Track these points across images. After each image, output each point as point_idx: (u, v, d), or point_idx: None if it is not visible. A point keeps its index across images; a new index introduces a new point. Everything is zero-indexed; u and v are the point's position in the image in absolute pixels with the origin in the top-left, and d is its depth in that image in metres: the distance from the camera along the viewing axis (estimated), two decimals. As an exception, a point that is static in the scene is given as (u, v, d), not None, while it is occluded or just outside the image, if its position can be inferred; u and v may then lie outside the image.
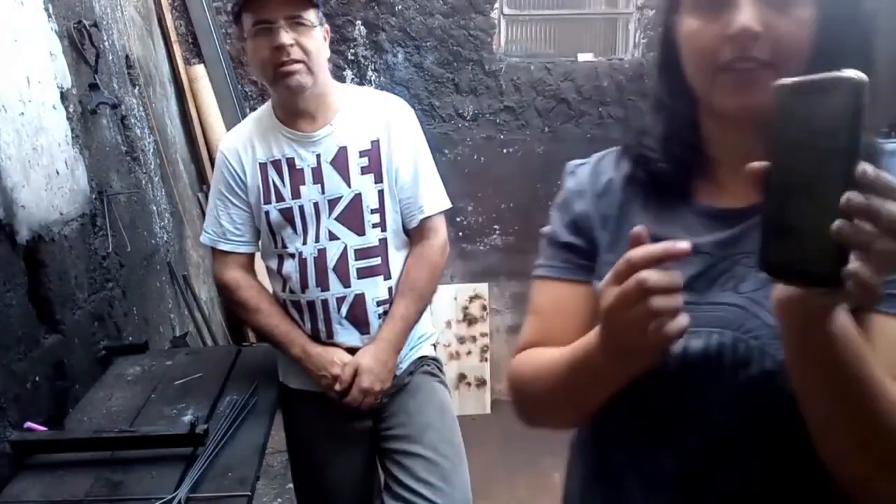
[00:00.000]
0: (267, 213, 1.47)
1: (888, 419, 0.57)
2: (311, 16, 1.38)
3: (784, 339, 0.60)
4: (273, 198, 1.47)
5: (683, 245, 0.57)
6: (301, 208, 1.45)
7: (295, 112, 1.46)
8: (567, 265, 0.81)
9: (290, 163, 1.46)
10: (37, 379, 1.27)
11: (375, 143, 1.45)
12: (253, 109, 3.15)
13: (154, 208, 2.25)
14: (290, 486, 2.59)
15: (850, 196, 0.48)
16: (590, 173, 0.84)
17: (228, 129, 3.03)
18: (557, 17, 3.24)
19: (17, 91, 1.35)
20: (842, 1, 0.66)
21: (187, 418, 1.24)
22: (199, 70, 3.01)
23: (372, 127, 1.46)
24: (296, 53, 1.35)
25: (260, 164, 1.48)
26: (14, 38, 1.38)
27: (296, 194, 1.46)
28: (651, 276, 0.57)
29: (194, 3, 2.98)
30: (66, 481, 1.09)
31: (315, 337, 1.47)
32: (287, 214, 1.46)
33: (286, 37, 1.34)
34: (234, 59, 3.11)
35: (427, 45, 3.12)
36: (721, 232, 0.71)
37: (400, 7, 3.03)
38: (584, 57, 3.20)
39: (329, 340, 1.46)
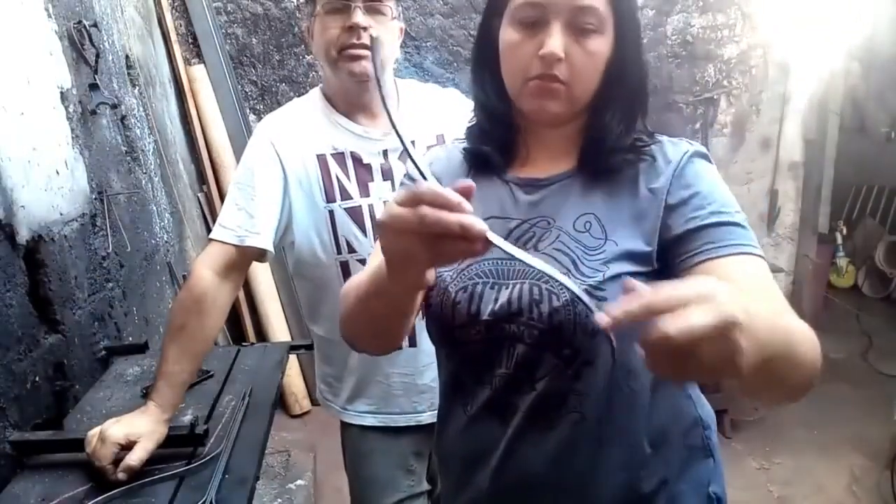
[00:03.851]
0: (331, 212, 1.33)
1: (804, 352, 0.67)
2: (392, 4, 1.31)
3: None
4: (338, 195, 1.33)
5: (466, 182, 0.62)
6: (371, 208, 1.33)
7: (356, 104, 1.36)
8: None
9: (355, 157, 1.34)
10: (37, 379, 1.27)
11: (440, 138, 1.38)
12: (253, 110, 3.18)
13: (154, 208, 2.25)
14: (291, 486, 2.59)
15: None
16: (445, 157, 1.02)
17: (228, 129, 3.04)
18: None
19: (17, 91, 1.35)
20: (628, 42, 0.85)
21: (187, 418, 1.24)
22: (199, 70, 3.01)
23: (435, 121, 1.38)
24: (367, 39, 1.26)
25: (318, 155, 1.34)
26: (14, 38, 1.38)
27: (364, 192, 1.33)
28: (426, 190, 0.60)
29: (194, 3, 2.98)
30: (66, 481, 1.09)
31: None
32: (355, 214, 1.33)
33: (362, 18, 1.25)
34: (234, 59, 3.11)
35: (427, 45, 3.12)
36: (525, 197, 0.90)
37: (400, 7, 3.03)
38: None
39: (413, 348, 1.39)
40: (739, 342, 0.52)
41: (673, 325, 0.50)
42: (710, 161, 0.89)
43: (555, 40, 0.81)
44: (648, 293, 0.53)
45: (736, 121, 3.37)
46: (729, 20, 3.26)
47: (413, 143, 1.37)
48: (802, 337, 0.68)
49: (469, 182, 0.61)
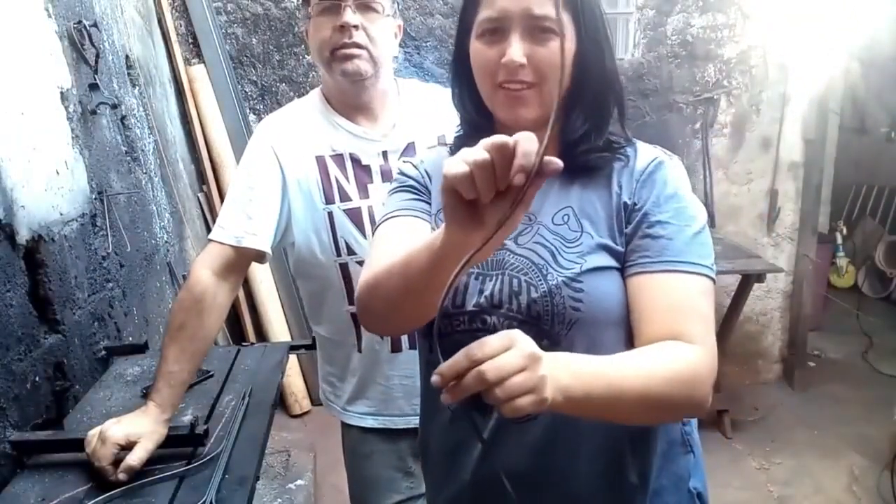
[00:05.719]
0: (330, 213, 1.33)
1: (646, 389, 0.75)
2: (384, 1, 1.30)
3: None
4: (337, 197, 1.33)
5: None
6: (370, 209, 1.33)
7: (355, 105, 1.35)
8: (413, 208, 0.99)
9: (355, 158, 1.34)
10: (37, 379, 1.27)
11: (442, 139, 1.36)
12: (253, 110, 3.18)
13: (154, 208, 2.25)
14: (291, 486, 2.59)
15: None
16: (435, 158, 1.04)
17: (228, 129, 3.04)
18: (557, 17, 3.25)
19: (16, 91, 1.35)
20: (589, 43, 0.88)
21: (187, 418, 1.24)
22: (199, 70, 3.01)
23: (436, 121, 1.37)
24: (359, 37, 1.26)
25: (317, 157, 1.34)
26: (14, 38, 1.38)
27: (363, 193, 1.33)
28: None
29: (194, 3, 2.98)
30: (66, 481, 1.09)
31: (395, 349, 1.40)
32: (355, 216, 1.34)
33: (352, 17, 1.24)
34: (234, 59, 3.11)
35: (427, 45, 3.12)
36: None
37: (400, 7, 3.03)
38: (584, 57, 3.21)
39: (413, 350, 1.37)
40: (541, 372, 0.64)
41: (487, 365, 0.62)
42: (681, 171, 0.92)
43: (515, 49, 0.85)
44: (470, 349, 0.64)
45: (736, 121, 3.37)
46: (729, 20, 3.25)
47: (413, 143, 1.36)
48: (661, 371, 0.76)
49: (559, 163, 0.59)
